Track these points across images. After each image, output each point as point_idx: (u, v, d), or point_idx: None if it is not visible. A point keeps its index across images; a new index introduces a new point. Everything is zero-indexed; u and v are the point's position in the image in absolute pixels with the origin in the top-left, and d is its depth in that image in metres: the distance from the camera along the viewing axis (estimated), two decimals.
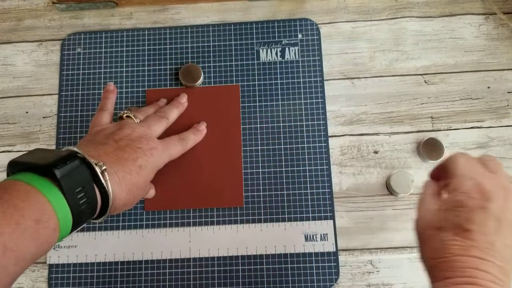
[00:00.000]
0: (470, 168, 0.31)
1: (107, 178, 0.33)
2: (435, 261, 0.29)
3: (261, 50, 0.51)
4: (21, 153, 0.48)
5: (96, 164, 0.32)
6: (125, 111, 0.43)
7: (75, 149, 0.32)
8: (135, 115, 0.42)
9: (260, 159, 0.47)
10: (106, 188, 0.32)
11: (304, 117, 0.48)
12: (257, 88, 0.49)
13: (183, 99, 0.48)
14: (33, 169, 0.30)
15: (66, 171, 0.29)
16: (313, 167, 0.47)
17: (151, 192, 0.45)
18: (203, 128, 0.47)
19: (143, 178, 0.37)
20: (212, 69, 0.50)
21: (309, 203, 0.46)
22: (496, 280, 0.27)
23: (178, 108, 0.47)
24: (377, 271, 0.45)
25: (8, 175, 0.31)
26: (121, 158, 0.35)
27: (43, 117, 0.50)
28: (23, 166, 0.30)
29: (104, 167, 0.32)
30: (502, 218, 0.29)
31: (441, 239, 0.29)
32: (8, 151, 0.49)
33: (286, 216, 0.46)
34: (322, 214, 0.46)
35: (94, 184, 0.32)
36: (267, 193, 0.46)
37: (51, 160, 0.29)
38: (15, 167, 0.31)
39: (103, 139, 0.37)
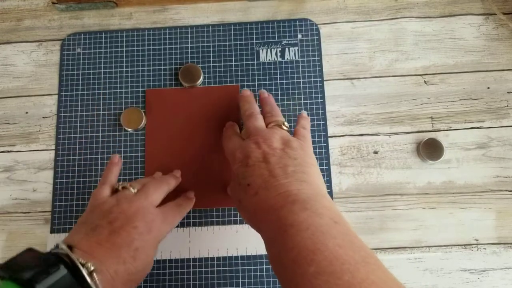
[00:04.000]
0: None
1: (96, 279, 0.31)
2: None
3: (261, 50, 0.51)
4: (21, 153, 0.48)
5: (84, 265, 0.31)
6: (121, 183, 0.41)
7: (64, 248, 0.32)
8: (132, 185, 0.40)
9: None
10: None
11: None
12: (257, 88, 0.49)
13: (178, 174, 0.46)
14: (17, 281, 0.29)
15: (48, 284, 0.29)
16: None
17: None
18: (192, 196, 0.45)
19: (141, 261, 0.35)
20: (212, 69, 0.50)
21: None
22: None
23: (175, 180, 0.44)
24: None
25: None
26: (115, 245, 0.34)
27: (43, 117, 0.50)
28: (10, 274, 0.29)
29: (92, 268, 0.31)
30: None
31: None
32: (8, 151, 0.49)
33: None
34: None
35: None
36: None
37: (32, 274, 0.29)
38: (3, 273, 0.30)
39: (97, 220, 0.36)
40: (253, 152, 0.36)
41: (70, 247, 0.32)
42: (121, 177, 0.47)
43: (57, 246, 0.33)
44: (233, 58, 0.50)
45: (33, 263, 0.30)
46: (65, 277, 0.30)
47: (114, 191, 0.40)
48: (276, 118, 0.41)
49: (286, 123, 0.40)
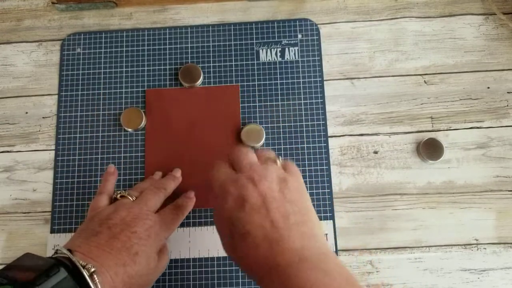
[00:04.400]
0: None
1: (97, 280, 0.31)
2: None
3: (261, 50, 0.51)
4: (21, 154, 0.48)
5: (84, 267, 0.31)
6: (119, 191, 0.41)
7: (64, 251, 0.32)
8: (129, 193, 0.41)
9: None
10: None
11: (304, 117, 0.48)
12: (256, 88, 0.50)
13: (178, 173, 0.46)
14: (17, 285, 0.29)
15: (47, 287, 0.29)
16: (313, 167, 0.47)
17: (164, 262, 0.40)
18: (192, 195, 0.45)
19: (141, 265, 0.35)
20: (211, 69, 0.50)
21: None
22: None
23: (174, 181, 0.45)
24: (377, 271, 0.45)
25: None
26: (114, 248, 0.34)
27: (43, 118, 0.50)
28: (9, 280, 0.29)
29: (93, 269, 0.31)
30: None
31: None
32: (8, 151, 0.49)
33: None
34: (322, 215, 0.46)
35: None
36: None
37: (32, 277, 0.29)
38: (2, 278, 0.30)
39: (97, 227, 0.36)
40: (250, 193, 0.32)
41: (70, 251, 0.33)
42: (121, 177, 0.47)
43: (56, 252, 0.33)
44: (233, 58, 0.50)
45: (32, 266, 0.30)
46: (66, 279, 0.30)
47: (112, 200, 0.41)
48: (269, 152, 0.37)
49: (279, 159, 0.37)
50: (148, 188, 0.42)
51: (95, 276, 0.31)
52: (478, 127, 0.48)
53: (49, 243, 0.46)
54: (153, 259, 0.37)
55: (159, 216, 0.40)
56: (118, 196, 0.41)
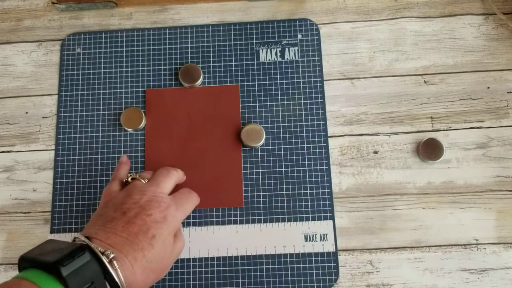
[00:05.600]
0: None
1: (117, 266, 0.31)
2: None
3: (260, 50, 0.51)
4: (21, 154, 0.48)
5: (103, 253, 0.31)
6: (130, 174, 0.41)
7: (82, 238, 0.32)
8: (141, 175, 0.40)
9: (259, 159, 0.47)
10: (116, 279, 0.31)
11: (303, 117, 0.48)
12: (256, 88, 0.50)
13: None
14: (41, 266, 0.29)
15: (73, 268, 0.29)
16: (312, 167, 0.47)
17: (179, 246, 0.39)
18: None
19: (159, 249, 0.35)
20: (211, 69, 0.50)
21: (309, 203, 0.46)
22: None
23: (182, 172, 0.45)
24: (377, 271, 0.45)
25: (19, 269, 0.30)
26: (131, 234, 0.34)
27: (43, 118, 0.50)
28: (31, 263, 0.29)
29: (112, 255, 0.31)
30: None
31: None
32: (8, 151, 0.49)
33: (286, 216, 0.46)
34: (322, 215, 0.46)
35: (104, 277, 0.31)
36: (266, 193, 0.46)
37: (58, 257, 0.29)
38: (24, 263, 0.30)
39: (112, 213, 0.36)
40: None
41: (88, 239, 0.32)
42: None
43: (74, 240, 0.33)
44: (233, 58, 0.50)
45: (56, 249, 0.30)
46: (90, 262, 0.30)
47: (124, 183, 0.41)
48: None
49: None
50: (160, 170, 0.42)
51: (114, 262, 0.31)
52: (478, 127, 0.48)
53: None
54: (170, 242, 0.36)
55: (173, 198, 0.39)
56: (130, 179, 0.40)
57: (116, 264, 0.31)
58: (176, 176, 0.42)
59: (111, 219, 0.35)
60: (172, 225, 0.37)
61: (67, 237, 0.46)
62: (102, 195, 0.40)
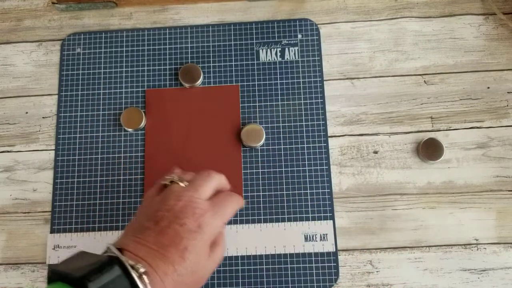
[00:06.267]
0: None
1: (146, 281, 0.30)
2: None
3: (260, 50, 0.51)
4: (21, 154, 0.48)
5: (133, 267, 0.30)
6: (169, 177, 0.37)
7: (114, 250, 0.31)
8: (181, 178, 0.37)
9: (259, 159, 0.47)
10: None
11: (303, 117, 0.48)
12: (256, 88, 0.50)
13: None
14: (69, 281, 0.28)
15: (100, 284, 0.28)
16: (312, 167, 0.47)
17: (218, 254, 0.37)
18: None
19: (191, 261, 0.32)
20: (212, 69, 0.50)
21: (309, 203, 0.46)
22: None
23: (226, 179, 0.41)
24: (377, 271, 0.45)
25: (48, 281, 0.30)
26: (163, 246, 0.32)
27: (43, 118, 0.50)
28: (59, 276, 0.29)
29: (142, 270, 0.30)
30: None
31: None
32: (8, 151, 0.49)
33: (286, 216, 0.46)
34: (322, 214, 0.46)
35: None
36: (266, 193, 0.46)
37: (85, 271, 0.28)
38: (53, 275, 0.29)
39: (145, 222, 0.34)
40: None
41: (120, 250, 0.31)
42: (121, 177, 0.47)
43: (106, 251, 0.32)
44: (233, 58, 0.50)
45: (85, 263, 0.29)
46: (119, 277, 0.29)
47: (163, 187, 0.38)
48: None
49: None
50: (200, 172, 0.38)
51: (144, 277, 0.30)
52: (478, 127, 0.48)
53: (49, 243, 0.46)
54: (205, 253, 0.34)
55: (211, 203, 0.36)
56: (168, 182, 0.37)
57: (146, 279, 0.30)
58: (217, 180, 0.38)
59: (143, 229, 0.34)
60: (208, 233, 0.34)
61: (67, 237, 0.46)
62: (142, 198, 0.38)
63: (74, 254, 0.31)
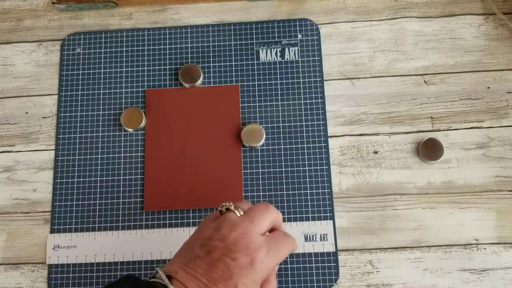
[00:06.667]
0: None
1: None
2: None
3: (260, 50, 0.51)
4: (21, 154, 0.48)
5: None
6: (225, 204, 0.35)
7: (163, 277, 0.30)
8: (237, 206, 0.35)
9: (259, 159, 0.47)
10: None
11: (304, 117, 0.48)
12: (256, 88, 0.50)
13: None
14: None
15: None
16: (312, 167, 0.47)
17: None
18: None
19: None
20: (212, 69, 0.50)
21: (309, 203, 0.46)
22: None
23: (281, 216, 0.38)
24: (377, 271, 0.45)
25: None
26: (211, 279, 0.30)
27: (43, 118, 0.50)
28: None
29: None
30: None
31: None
32: (8, 151, 0.49)
33: (286, 216, 0.46)
34: (322, 215, 0.46)
35: None
36: (266, 193, 0.46)
37: None
38: None
39: (197, 249, 0.32)
40: None
41: (169, 277, 0.31)
42: (121, 177, 0.47)
43: (154, 276, 0.31)
44: (233, 58, 0.50)
45: None
46: None
47: (219, 212, 0.36)
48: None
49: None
50: (258, 204, 0.36)
51: None
52: (478, 127, 0.48)
53: (49, 243, 0.46)
54: None
55: (266, 239, 0.33)
56: (224, 208, 0.35)
57: None
58: (275, 214, 0.36)
59: (194, 257, 0.32)
60: (260, 271, 0.32)
61: (67, 237, 0.46)
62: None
63: (122, 278, 0.30)
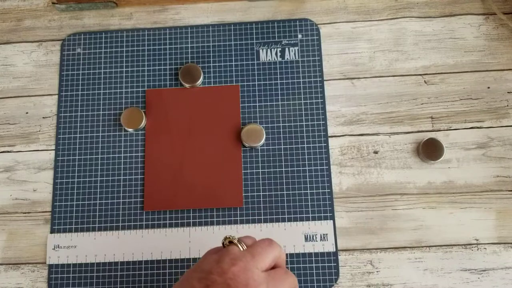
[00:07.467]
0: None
1: None
2: None
3: (261, 50, 0.51)
4: (21, 154, 0.48)
5: None
6: (228, 236, 0.35)
7: None
8: (240, 240, 0.34)
9: (260, 159, 0.47)
10: None
11: (304, 117, 0.48)
12: (257, 88, 0.50)
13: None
14: None
15: None
16: (313, 167, 0.47)
17: None
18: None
19: None
20: (212, 69, 0.50)
21: (309, 203, 0.46)
22: None
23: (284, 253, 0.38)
24: (377, 271, 0.45)
25: None
26: None
27: (43, 118, 0.50)
28: None
29: None
30: None
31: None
32: (8, 151, 0.49)
33: (286, 216, 0.46)
34: (322, 214, 0.46)
35: None
36: (266, 193, 0.46)
37: None
38: None
39: (196, 283, 0.31)
40: None
41: None
42: (121, 177, 0.47)
43: None
44: (233, 58, 0.51)
45: None
46: None
47: (222, 245, 0.36)
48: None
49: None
50: (262, 239, 0.35)
51: None
52: (478, 127, 0.48)
53: (49, 243, 0.46)
54: None
55: (267, 276, 0.32)
56: (227, 241, 0.34)
57: None
58: (278, 251, 0.35)
59: None
60: None
61: (67, 237, 0.46)
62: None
63: None
